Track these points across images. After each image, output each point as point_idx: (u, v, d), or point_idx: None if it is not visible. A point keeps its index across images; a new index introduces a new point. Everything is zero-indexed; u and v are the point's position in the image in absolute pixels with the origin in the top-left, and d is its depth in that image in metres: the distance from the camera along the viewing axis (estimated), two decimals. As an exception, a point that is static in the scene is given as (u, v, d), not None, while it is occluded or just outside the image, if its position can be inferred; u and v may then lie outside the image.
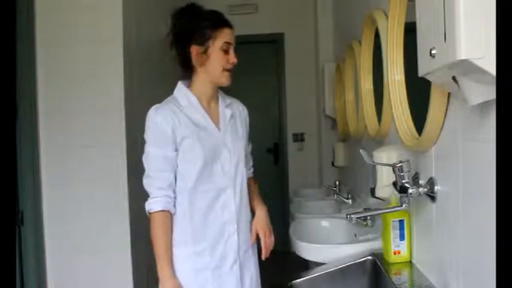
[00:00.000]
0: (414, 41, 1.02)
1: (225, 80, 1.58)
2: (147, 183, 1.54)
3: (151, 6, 2.92)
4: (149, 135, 1.54)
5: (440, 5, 0.82)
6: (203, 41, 1.54)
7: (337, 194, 2.76)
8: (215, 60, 1.55)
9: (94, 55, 2.34)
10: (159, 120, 1.52)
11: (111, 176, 2.34)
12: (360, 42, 2.16)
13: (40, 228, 2.33)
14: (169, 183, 1.53)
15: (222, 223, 1.58)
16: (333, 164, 3.31)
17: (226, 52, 1.56)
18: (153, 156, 1.53)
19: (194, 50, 1.54)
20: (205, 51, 1.54)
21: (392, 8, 1.46)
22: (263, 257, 1.65)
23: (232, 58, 1.57)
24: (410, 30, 1.26)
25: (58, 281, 2.36)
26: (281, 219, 4.05)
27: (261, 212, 1.70)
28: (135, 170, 2.39)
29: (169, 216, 1.53)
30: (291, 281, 1.52)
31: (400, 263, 1.47)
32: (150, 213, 1.52)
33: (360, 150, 1.51)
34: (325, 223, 2.14)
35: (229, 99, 1.70)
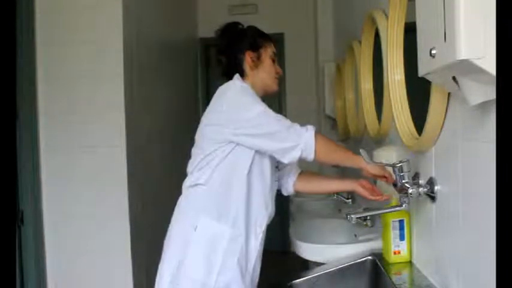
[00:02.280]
0: (414, 41, 1.01)
1: (275, 86, 1.68)
2: (284, 125, 1.56)
3: (151, 6, 2.92)
4: (248, 98, 1.55)
5: (440, 5, 0.82)
6: (257, 47, 1.64)
7: (337, 194, 2.76)
8: (268, 66, 1.65)
9: (94, 55, 2.34)
10: (248, 86, 1.58)
11: (111, 176, 2.33)
12: (360, 42, 2.16)
13: (40, 228, 2.33)
14: None
15: (263, 214, 1.62)
16: (333, 164, 3.30)
17: (273, 62, 1.67)
18: (266, 109, 1.54)
19: (248, 55, 1.64)
20: (258, 57, 1.64)
21: (392, 8, 1.46)
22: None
23: (279, 68, 1.68)
24: (410, 30, 1.26)
25: (58, 281, 2.36)
26: (281, 219, 4.04)
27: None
28: (135, 170, 2.39)
29: None
30: (291, 281, 1.52)
31: (400, 263, 1.47)
32: (312, 139, 1.52)
33: (360, 150, 1.50)
34: (325, 223, 2.14)
35: None
